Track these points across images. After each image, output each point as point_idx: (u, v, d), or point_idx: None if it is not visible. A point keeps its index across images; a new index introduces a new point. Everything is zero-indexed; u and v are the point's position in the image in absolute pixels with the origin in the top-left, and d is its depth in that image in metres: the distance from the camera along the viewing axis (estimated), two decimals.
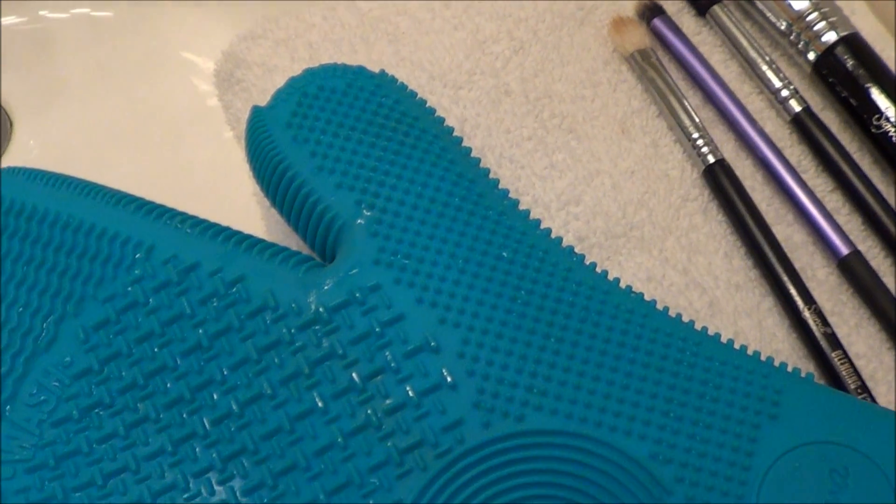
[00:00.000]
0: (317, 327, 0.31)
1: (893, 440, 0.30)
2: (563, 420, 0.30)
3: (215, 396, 0.31)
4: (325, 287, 0.32)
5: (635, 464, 0.29)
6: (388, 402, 0.30)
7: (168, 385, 0.31)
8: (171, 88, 0.45)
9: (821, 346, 0.34)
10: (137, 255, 0.33)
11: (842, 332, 0.35)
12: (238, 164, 0.40)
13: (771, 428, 0.30)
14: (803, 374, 0.31)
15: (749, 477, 0.29)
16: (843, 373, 0.33)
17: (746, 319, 0.35)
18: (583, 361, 0.31)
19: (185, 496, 0.30)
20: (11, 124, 0.46)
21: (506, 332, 0.31)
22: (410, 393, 0.30)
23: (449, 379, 0.30)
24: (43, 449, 0.31)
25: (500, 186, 0.34)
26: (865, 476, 0.29)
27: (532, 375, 0.30)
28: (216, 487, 0.30)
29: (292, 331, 0.31)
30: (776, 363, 0.32)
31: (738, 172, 0.37)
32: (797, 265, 0.36)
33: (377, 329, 0.31)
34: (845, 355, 0.34)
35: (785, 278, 0.35)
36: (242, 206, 0.39)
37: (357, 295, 0.31)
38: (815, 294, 0.35)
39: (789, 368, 0.31)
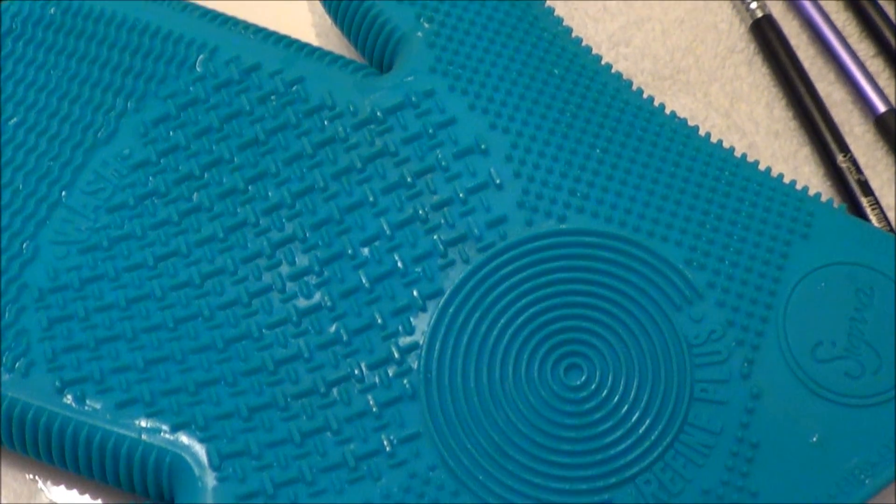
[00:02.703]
0: (371, 126, 0.32)
1: None
2: (603, 223, 0.31)
3: (268, 188, 0.32)
4: (382, 91, 0.33)
5: (670, 267, 0.30)
6: (435, 197, 0.31)
7: (223, 177, 0.33)
8: None
9: (854, 192, 0.35)
10: (201, 56, 0.34)
11: (875, 185, 0.36)
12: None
13: (802, 246, 0.31)
14: (836, 206, 0.32)
15: (778, 289, 0.30)
16: (874, 218, 0.34)
17: (783, 165, 0.36)
18: (625, 171, 0.32)
19: (233, 279, 0.31)
20: None
21: (553, 140, 0.32)
22: (458, 190, 0.31)
23: (496, 179, 0.31)
24: (97, 232, 0.32)
25: None
26: (889, 299, 0.31)
27: (575, 180, 0.31)
28: (264, 273, 0.31)
29: (347, 129, 0.32)
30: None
31: (785, 31, 0.38)
32: (836, 121, 0.37)
33: (429, 131, 0.32)
34: (877, 202, 0.35)
35: (823, 127, 0.36)
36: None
37: (412, 99, 0.33)
38: (852, 149, 0.36)
39: (823, 199, 0.32)
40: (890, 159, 0.37)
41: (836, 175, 0.36)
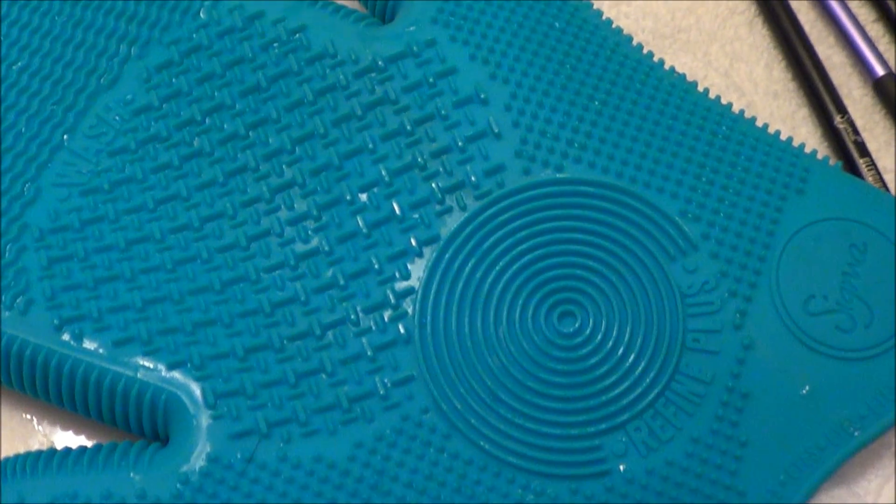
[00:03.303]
0: (372, 75, 0.33)
1: None
2: (600, 173, 0.31)
3: (269, 134, 0.32)
4: (383, 40, 0.33)
5: (666, 218, 0.31)
6: (434, 145, 0.32)
7: (224, 123, 0.33)
8: None
9: (851, 153, 0.35)
10: (205, 3, 0.34)
11: (872, 147, 0.36)
12: None
13: (797, 201, 0.31)
14: (832, 164, 0.32)
15: (772, 242, 0.31)
16: (870, 179, 0.35)
17: (781, 125, 0.36)
18: (623, 123, 0.32)
19: (232, 223, 0.32)
20: None
21: (552, 92, 0.32)
22: (456, 139, 0.32)
23: (494, 129, 0.32)
24: (98, 175, 0.33)
25: None
26: (883, 255, 0.31)
27: (574, 131, 0.32)
28: (262, 217, 0.32)
29: (348, 77, 0.33)
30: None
31: None
32: (834, 84, 0.37)
33: (430, 80, 0.32)
34: (873, 163, 0.35)
35: (821, 89, 0.36)
36: None
37: (413, 48, 0.33)
38: (850, 111, 0.36)
39: (819, 157, 0.33)
40: (888, 123, 0.37)
41: (833, 136, 0.36)
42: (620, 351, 0.30)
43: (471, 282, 0.31)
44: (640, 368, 0.30)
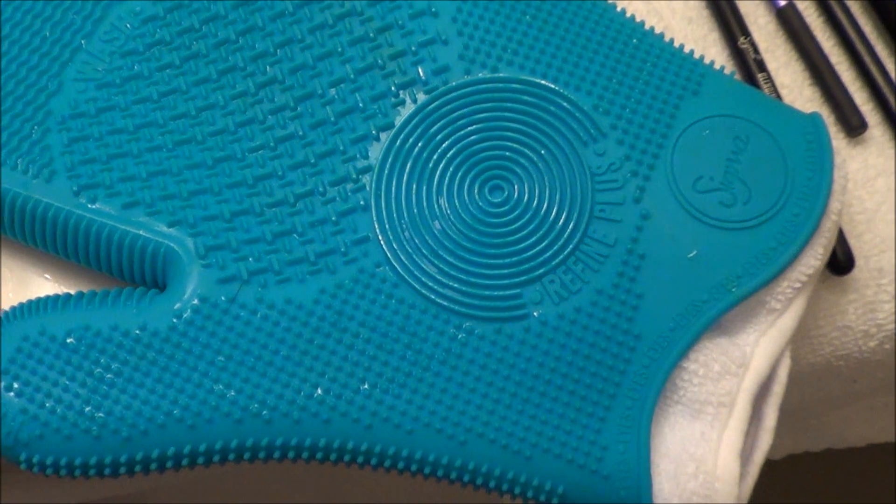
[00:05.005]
0: None
1: (792, 122, 0.37)
2: (528, 73, 0.38)
3: (256, 39, 0.39)
4: None
5: (580, 111, 0.37)
6: (392, 49, 0.38)
7: (218, 30, 0.39)
8: None
9: (751, 68, 0.41)
10: None
11: (772, 66, 0.42)
12: None
13: (693, 100, 0.38)
14: (727, 73, 0.39)
15: (669, 132, 0.37)
16: (766, 90, 0.41)
17: (693, 45, 0.43)
18: (549, 34, 0.38)
19: (223, 112, 0.38)
20: None
21: (491, 7, 0.38)
22: (411, 44, 0.38)
23: (442, 37, 0.38)
24: (111, 72, 0.39)
25: None
26: (762, 145, 0.37)
27: (508, 39, 0.38)
28: (248, 108, 0.38)
29: None
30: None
31: None
32: (742, 12, 0.43)
33: None
34: (769, 78, 0.41)
35: (729, 15, 0.42)
36: None
37: None
38: (755, 36, 0.43)
39: (716, 66, 0.39)
40: (788, 46, 0.43)
41: (737, 55, 0.42)
42: (539, 218, 0.36)
43: (418, 161, 0.37)
44: (554, 232, 0.36)
